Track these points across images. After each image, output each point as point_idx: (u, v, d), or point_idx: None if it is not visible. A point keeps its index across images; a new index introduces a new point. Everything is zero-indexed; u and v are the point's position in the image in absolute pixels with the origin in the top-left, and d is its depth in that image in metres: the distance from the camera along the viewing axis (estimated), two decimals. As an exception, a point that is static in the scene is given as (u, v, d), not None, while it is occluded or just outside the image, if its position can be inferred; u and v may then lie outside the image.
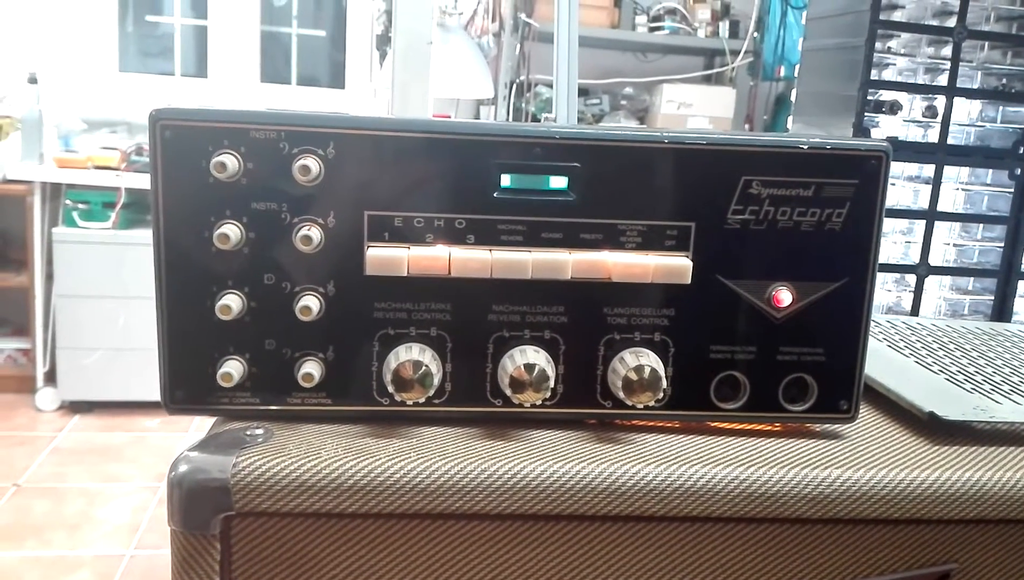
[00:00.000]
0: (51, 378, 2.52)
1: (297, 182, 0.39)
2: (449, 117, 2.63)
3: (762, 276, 0.42)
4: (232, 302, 0.39)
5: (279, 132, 0.38)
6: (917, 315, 0.96)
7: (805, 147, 0.41)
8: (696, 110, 2.75)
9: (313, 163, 0.38)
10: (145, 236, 2.46)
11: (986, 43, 0.95)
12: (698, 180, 0.41)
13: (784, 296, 0.42)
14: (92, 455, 2.27)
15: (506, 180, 0.40)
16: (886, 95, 0.96)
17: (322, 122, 0.39)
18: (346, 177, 0.39)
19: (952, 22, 0.93)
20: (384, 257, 0.40)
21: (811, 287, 0.42)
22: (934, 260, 0.96)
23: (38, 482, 2.11)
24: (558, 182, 0.40)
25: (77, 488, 2.09)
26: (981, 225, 1.00)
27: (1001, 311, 0.97)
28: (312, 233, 0.39)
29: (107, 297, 2.45)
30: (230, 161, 0.38)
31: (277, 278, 0.40)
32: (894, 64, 0.98)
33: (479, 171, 0.40)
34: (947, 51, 0.95)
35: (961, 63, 0.93)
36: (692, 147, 0.40)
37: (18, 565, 1.76)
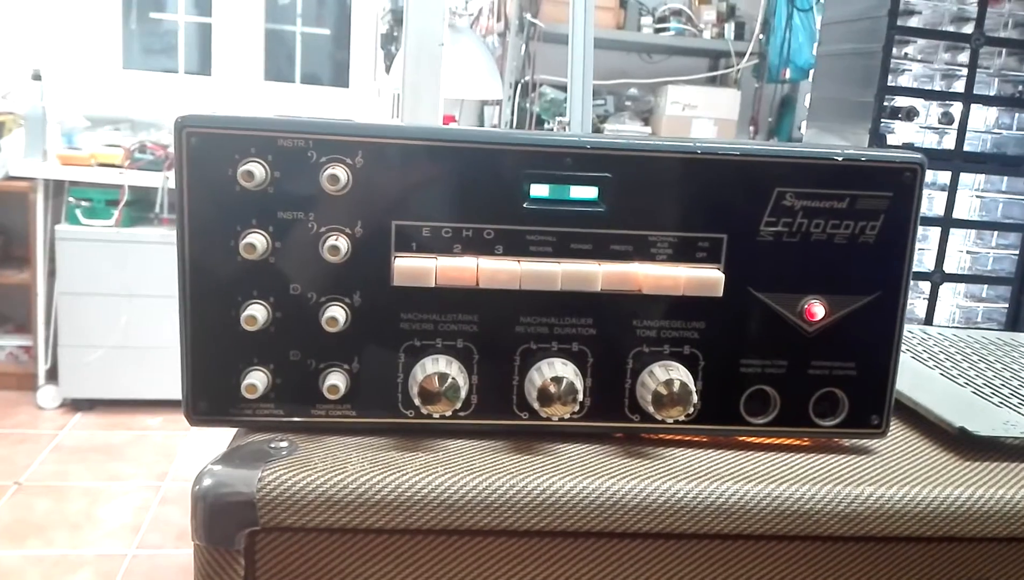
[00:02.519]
0: (53, 376, 2.51)
1: (325, 191, 0.38)
2: (454, 118, 2.62)
3: (795, 289, 0.41)
4: (257, 312, 0.38)
5: (307, 140, 0.38)
6: (931, 323, 0.96)
7: (840, 159, 0.40)
8: (701, 112, 2.74)
9: (341, 172, 0.38)
10: (148, 234, 2.45)
11: (1003, 50, 0.94)
12: (731, 191, 0.40)
13: (817, 309, 0.41)
14: (94, 453, 2.26)
15: (535, 190, 0.40)
16: (902, 101, 0.95)
17: (350, 131, 0.38)
18: (374, 186, 0.39)
19: (969, 28, 0.92)
20: (412, 268, 0.39)
21: (844, 301, 0.41)
22: (948, 268, 0.96)
23: (40, 480, 2.10)
24: (588, 193, 0.40)
25: (79, 487, 2.08)
26: (995, 232, 0.99)
27: (1015, 319, 0.96)
28: (339, 243, 0.38)
29: (109, 295, 2.44)
30: (257, 169, 0.37)
31: (303, 288, 0.39)
32: (910, 70, 0.97)
33: (508, 181, 0.39)
34: (964, 57, 0.94)
35: (978, 69, 0.92)
36: (725, 158, 0.40)
37: (20, 564, 1.76)
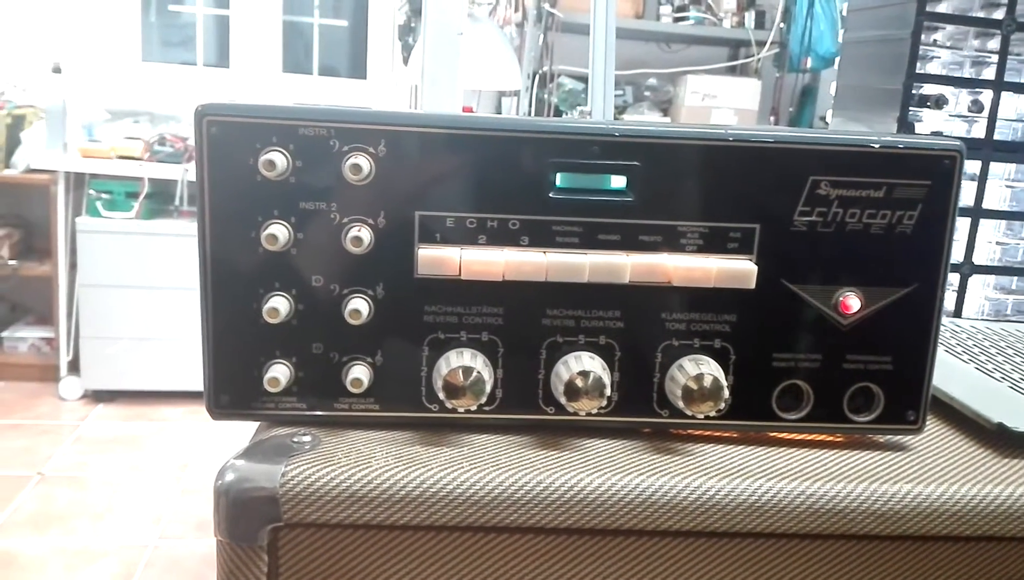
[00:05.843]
0: (75, 367, 2.53)
1: (347, 181, 0.37)
2: (472, 109, 2.61)
3: (829, 281, 0.40)
4: (279, 305, 0.38)
5: (329, 129, 0.37)
6: (960, 316, 0.94)
7: (876, 146, 0.39)
8: (720, 102, 2.72)
9: (364, 161, 0.37)
10: (168, 226, 2.46)
11: (1035, 35, 0.92)
12: (764, 180, 0.39)
13: (852, 302, 0.40)
14: (115, 444, 2.28)
15: (562, 180, 0.39)
16: (930, 89, 0.93)
17: (373, 119, 0.37)
18: (397, 176, 0.38)
19: (1000, 14, 0.90)
20: (435, 259, 0.38)
21: (880, 293, 0.40)
22: (978, 259, 0.94)
23: (62, 471, 2.12)
24: (616, 182, 0.39)
25: (101, 477, 2.10)
26: (1026, 223, 0.97)
27: (1047, 312, 0.94)
28: (362, 234, 0.38)
29: (130, 286, 2.45)
30: (279, 159, 0.37)
31: (326, 280, 0.38)
32: (939, 57, 0.95)
33: (534, 170, 0.38)
34: (994, 44, 0.92)
35: (1009, 56, 0.90)
36: (758, 145, 0.39)
37: (43, 554, 1.77)
